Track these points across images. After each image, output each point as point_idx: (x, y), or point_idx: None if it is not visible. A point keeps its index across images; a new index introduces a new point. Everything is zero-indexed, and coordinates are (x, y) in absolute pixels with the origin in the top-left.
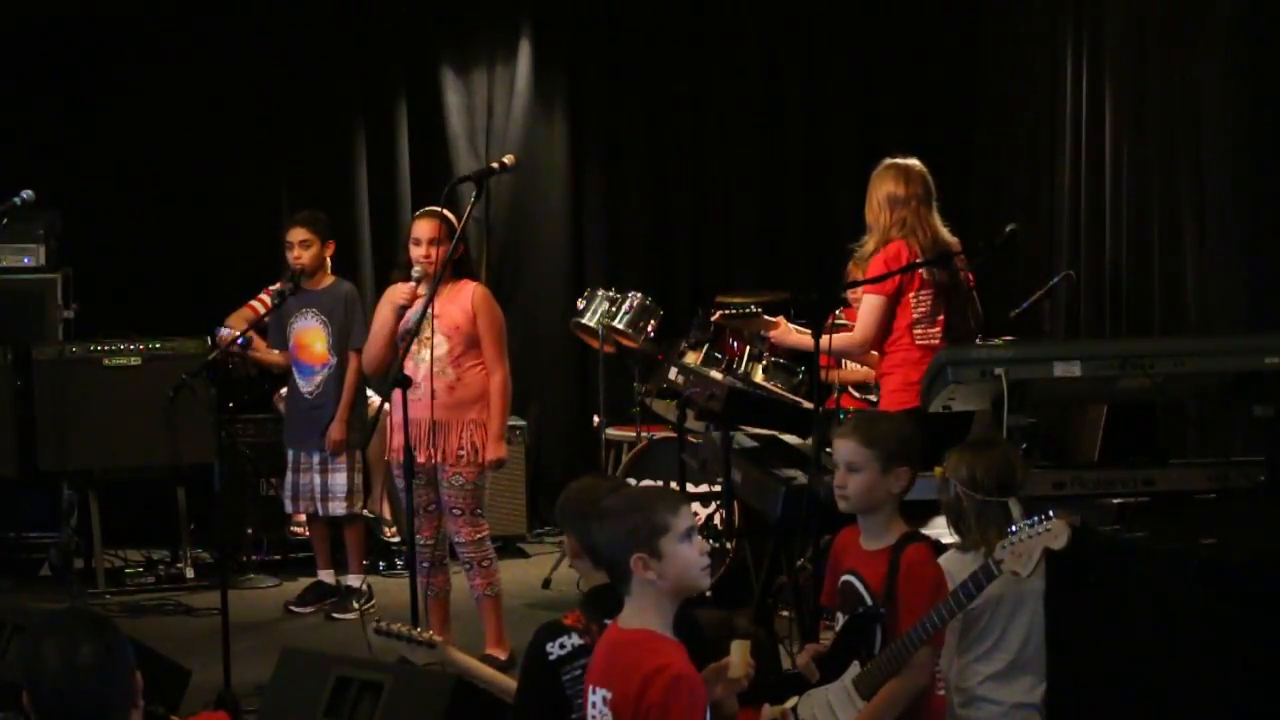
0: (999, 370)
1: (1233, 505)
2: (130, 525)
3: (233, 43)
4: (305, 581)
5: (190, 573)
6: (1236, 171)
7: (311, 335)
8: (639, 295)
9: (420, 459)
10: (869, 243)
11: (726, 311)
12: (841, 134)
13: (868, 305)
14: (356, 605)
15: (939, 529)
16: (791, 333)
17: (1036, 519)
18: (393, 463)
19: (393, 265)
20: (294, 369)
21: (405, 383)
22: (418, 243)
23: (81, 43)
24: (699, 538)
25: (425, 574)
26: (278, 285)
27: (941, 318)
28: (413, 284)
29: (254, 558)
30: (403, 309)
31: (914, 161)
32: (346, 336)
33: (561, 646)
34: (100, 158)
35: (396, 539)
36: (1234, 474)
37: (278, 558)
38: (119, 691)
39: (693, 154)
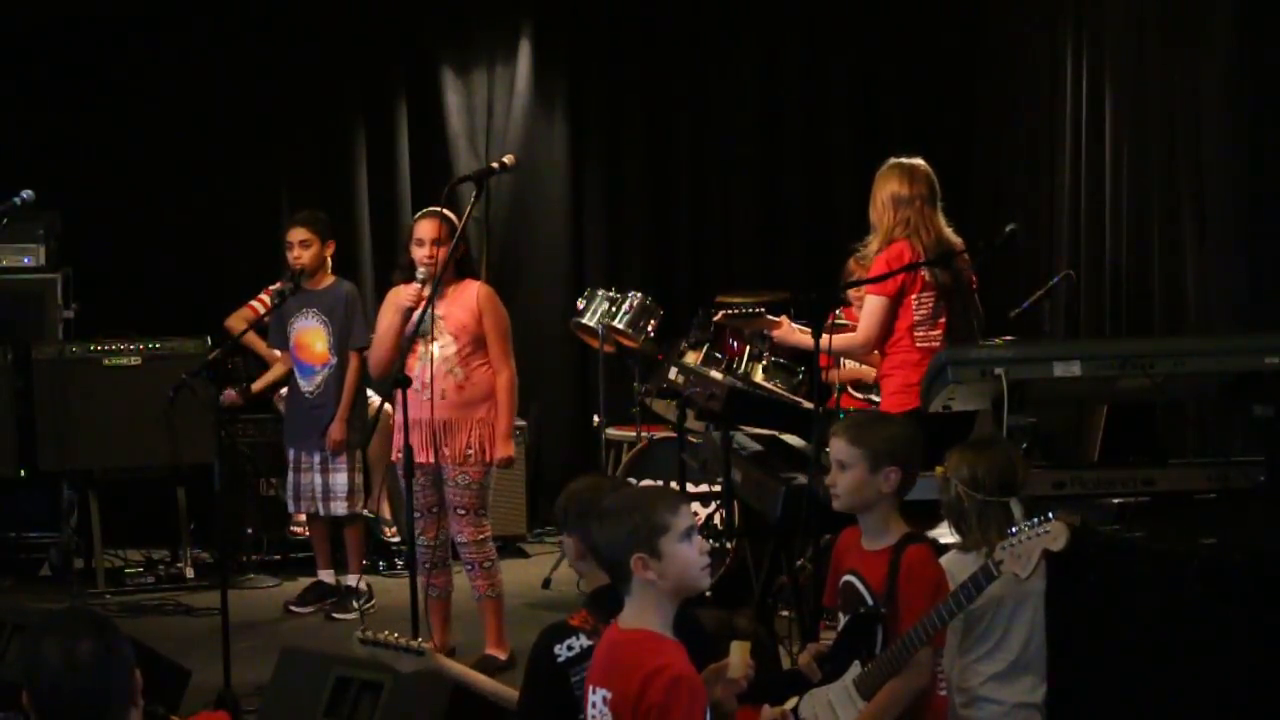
0: (999, 370)
1: (1233, 505)
2: (130, 525)
3: (233, 43)
4: (305, 581)
5: (190, 573)
6: (1236, 171)
7: (312, 335)
8: (639, 295)
9: (430, 459)
10: (872, 243)
11: (730, 311)
12: (841, 134)
13: (870, 306)
14: (356, 605)
15: (945, 533)
16: (794, 333)
17: (1036, 520)
18: (399, 464)
19: (393, 265)
20: (294, 369)
21: (405, 383)
22: (420, 243)
23: (81, 43)
24: (699, 538)
25: (427, 574)
26: (278, 285)
27: (943, 320)
28: (418, 285)
29: (254, 558)
30: (409, 311)
31: (919, 161)
32: (347, 336)
33: (569, 648)
34: (100, 158)
35: (396, 539)
36: (1234, 474)
37: (278, 558)
38: (119, 691)
39: (693, 154)
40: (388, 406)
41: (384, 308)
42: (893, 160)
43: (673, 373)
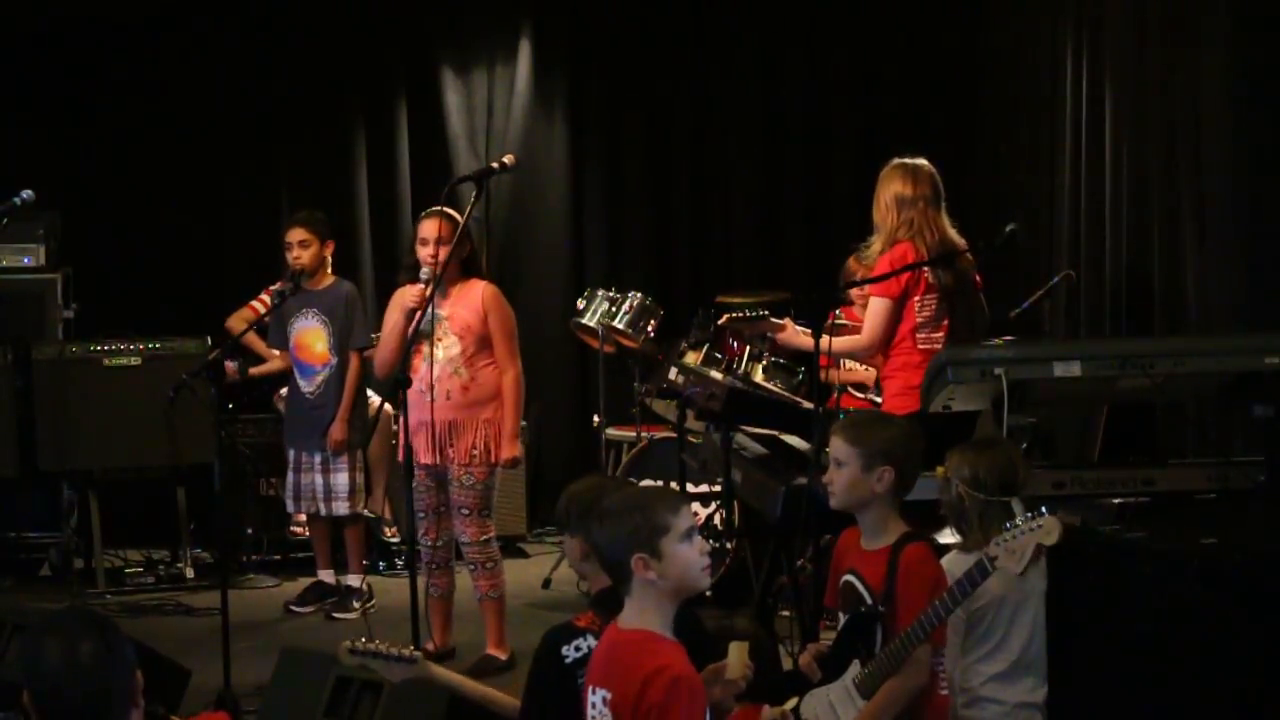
0: (999, 370)
1: (1233, 505)
2: (130, 525)
3: (233, 43)
4: (305, 581)
5: (190, 573)
6: (1236, 171)
7: (312, 335)
8: (639, 295)
9: (436, 461)
10: (876, 243)
11: (734, 315)
12: (841, 134)
13: (874, 309)
14: (356, 605)
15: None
16: (798, 335)
17: (1029, 515)
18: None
19: (393, 265)
20: (295, 369)
21: (405, 383)
22: (425, 243)
23: (81, 43)
24: (699, 538)
25: (429, 574)
26: (278, 285)
27: (946, 322)
28: (422, 286)
29: (254, 558)
30: (413, 312)
31: (922, 161)
32: (347, 336)
33: (577, 649)
34: (100, 158)
35: (397, 539)
36: (1234, 474)
37: (278, 558)
38: (119, 690)
39: (693, 154)
40: (388, 407)
41: (390, 308)
42: (896, 160)
43: (673, 373)
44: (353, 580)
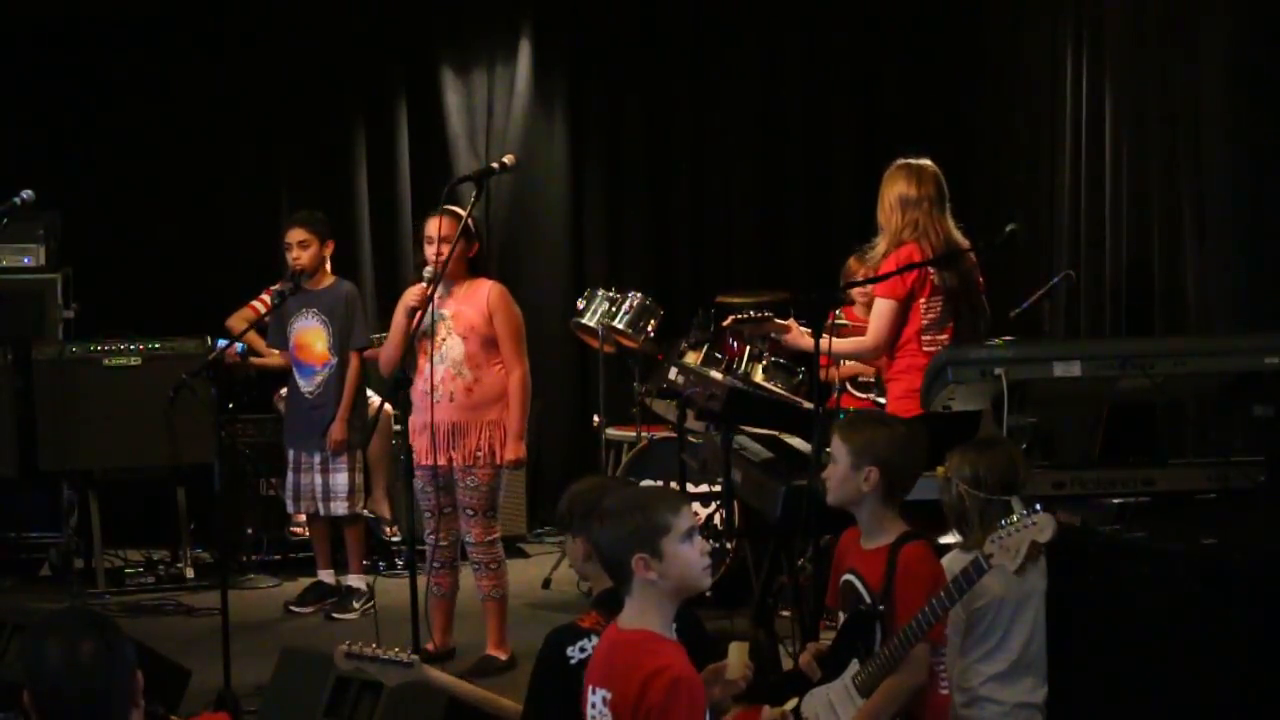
0: (999, 370)
1: (1233, 505)
2: (130, 525)
3: (233, 43)
4: (305, 581)
5: (190, 573)
6: (1236, 171)
7: (312, 335)
8: (639, 295)
9: (440, 462)
10: (880, 244)
11: (738, 316)
12: (842, 134)
13: (879, 310)
14: (357, 605)
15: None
16: (803, 337)
17: (1024, 513)
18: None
19: (393, 265)
20: (294, 369)
21: (405, 383)
22: (429, 241)
23: (81, 43)
24: (700, 538)
25: (430, 574)
26: (278, 285)
27: (951, 324)
28: (424, 285)
29: (254, 558)
30: (414, 310)
31: (927, 162)
32: (347, 336)
33: (582, 650)
34: (100, 158)
35: (397, 539)
36: (1234, 474)
37: (278, 558)
38: (120, 691)
39: (693, 154)
40: (388, 407)
41: (397, 309)
42: (900, 161)
43: (673, 373)
44: (353, 580)
